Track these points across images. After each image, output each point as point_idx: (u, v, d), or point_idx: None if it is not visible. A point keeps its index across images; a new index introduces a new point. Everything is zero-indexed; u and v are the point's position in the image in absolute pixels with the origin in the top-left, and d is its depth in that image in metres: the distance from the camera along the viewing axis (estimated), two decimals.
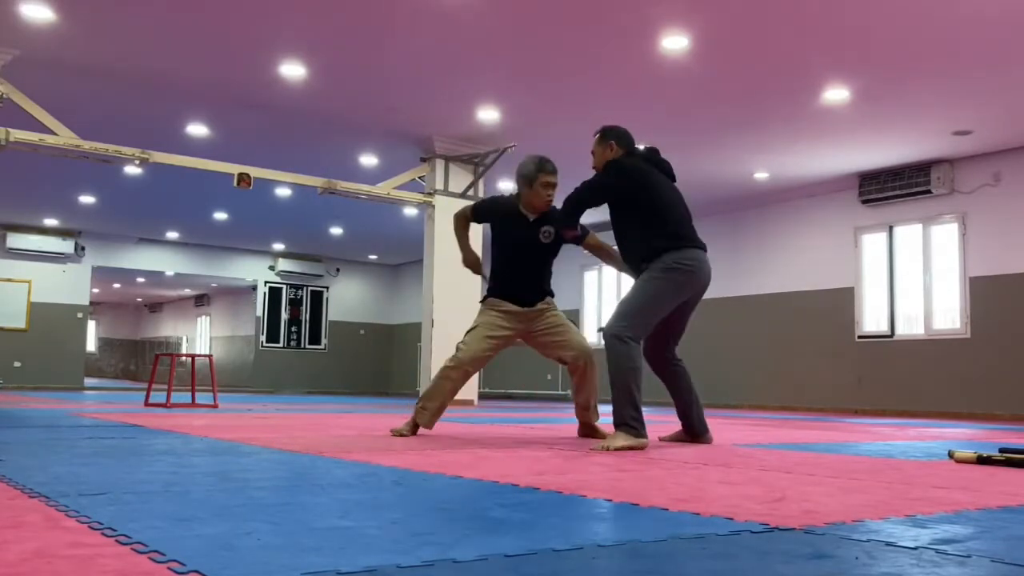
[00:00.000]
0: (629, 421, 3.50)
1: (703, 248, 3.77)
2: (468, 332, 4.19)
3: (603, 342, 3.60)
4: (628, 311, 3.61)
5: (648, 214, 3.73)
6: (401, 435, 4.05)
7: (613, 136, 3.97)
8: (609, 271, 13.26)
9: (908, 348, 9.73)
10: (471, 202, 4.45)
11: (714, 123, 8.36)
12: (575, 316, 13.81)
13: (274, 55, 6.91)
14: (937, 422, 7.68)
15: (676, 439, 4.02)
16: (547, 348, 4.25)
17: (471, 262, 4.41)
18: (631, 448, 3.43)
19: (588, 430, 4.30)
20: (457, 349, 4.16)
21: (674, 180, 3.93)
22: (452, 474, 2.47)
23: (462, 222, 4.42)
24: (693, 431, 3.96)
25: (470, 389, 9.52)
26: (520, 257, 4.23)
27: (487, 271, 4.35)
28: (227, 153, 8.86)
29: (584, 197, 3.87)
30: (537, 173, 4.12)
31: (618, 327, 3.58)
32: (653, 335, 3.87)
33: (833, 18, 5.93)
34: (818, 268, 10.58)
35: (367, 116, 8.47)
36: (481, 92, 7.74)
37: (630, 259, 3.84)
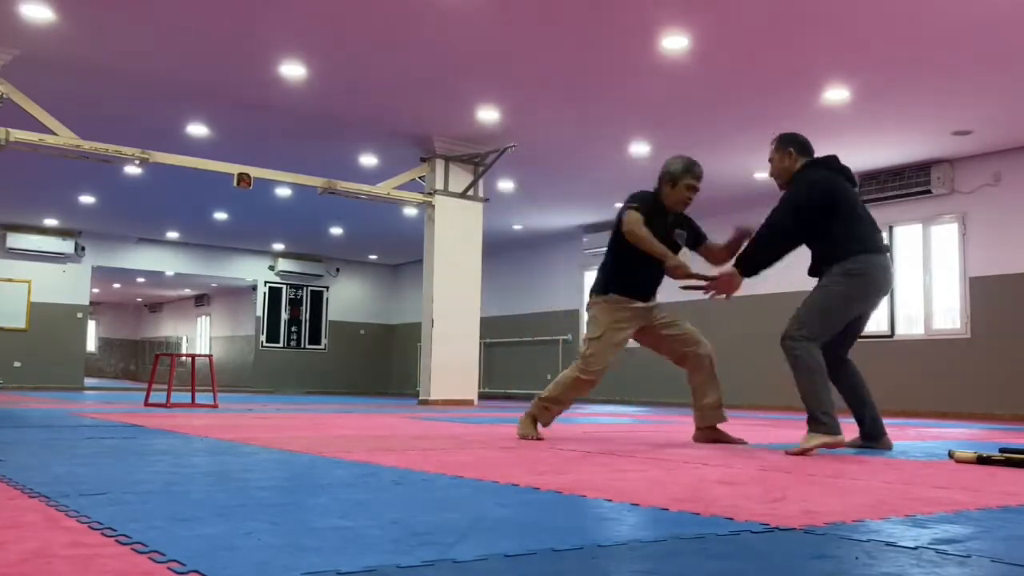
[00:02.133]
0: (821, 419, 3.47)
1: (886, 252, 3.70)
2: (593, 338, 4.04)
3: (782, 346, 3.58)
4: (806, 314, 3.59)
5: (839, 224, 3.64)
6: (535, 438, 4.05)
7: (791, 143, 3.86)
8: None
9: (908, 348, 9.73)
10: (632, 208, 3.97)
11: (714, 123, 8.35)
12: (576, 316, 13.82)
13: (274, 55, 6.91)
14: (937, 422, 7.68)
15: (852, 445, 3.80)
16: (665, 342, 4.12)
17: (681, 266, 3.89)
18: (827, 445, 3.42)
19: (714, 434, 4.08)
20: (586, 358, 4.02)
21: (855, 185, 3.84)
22: (452, 474, 2.47)
23: (643, 224, 3.94)
24: (866, 435, 3.78)
25: (470, 389, 9.52)
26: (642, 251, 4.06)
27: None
28: (227, 153, 8.86)
29: (786, 227, 3.66)
30: (683, 174, 4.01)
31: (795, 329, 3.57)
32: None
33: (833, 18, 5.93)
34: None
35: (367, 116, 8.46)
36: (481, 92, 7.74)
37: (819, 262, 3.72)
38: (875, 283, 3.61)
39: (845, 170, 3.83)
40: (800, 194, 3.68)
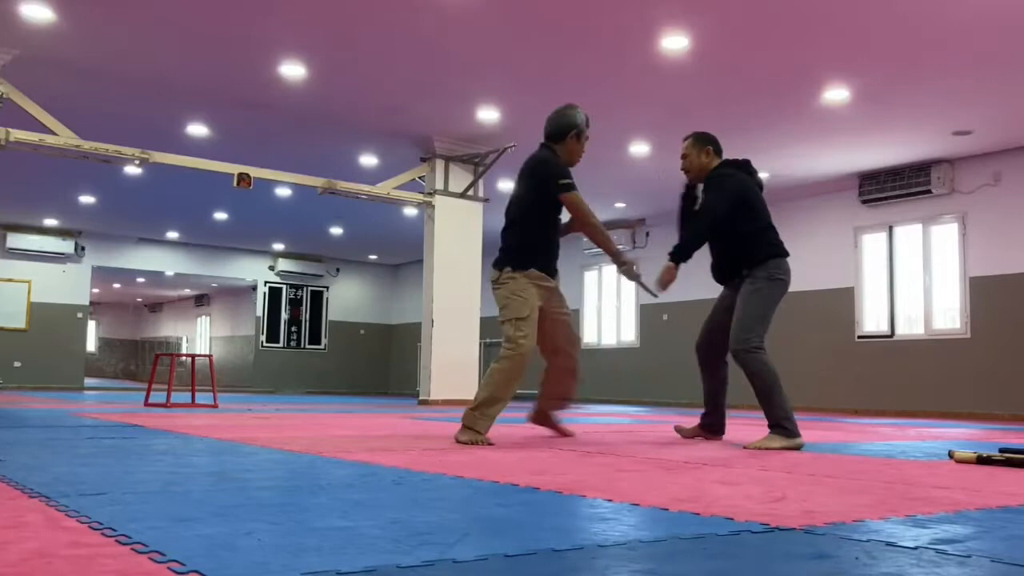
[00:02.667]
0: (783, 423, 3.66)
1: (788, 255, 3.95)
2: (521, 318, 3.70)
3: (736, 359, 3.77)
4: (750, 322, 3.76)
5: (753, 226, 3.86)
6: (484, 443, 3.62)
7: (710, 142, 4.10)
8: (609, 271, 13.25)
9: (908, 348, 9.73)
10: (571, 185, 3.80)
11: (714, 123, 8.31)
12: (575, 316, 13.81)
13: (274, 55, 6.90)
14: (937, 422, 7.68)
15: (690, 433, 4.16)
16: (551, 330, 3.89)
17: (634, 270, 3.92)
18: (787, 448, 3.57)
19: (547, 420, 4.23)
20: (516, 340, 3.68)
21: (762, 190, 4.07)
22: (452, 474, 2.47)
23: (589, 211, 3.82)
24: (707, 426, 4.15)
25: (470, 389, 9.51)
26: (557, 222, 3.90)
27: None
28: (227, 153, 8.85)
29: (714, 222, 3.88)
30: (586, 125, 4.00)
31: (746, 340, 3.73)
32: (715, 332, 3.98)
33: (833, 18, 5.93)
34: (818, 268, 10.57)
35: (367, 116, 8.46)
36: (481, 92, 7.74)
37: (723, 257, 3.95)
38: (786, 285, 3.90)
39: (755, 174, 4.07)
40: (725, 188, 3.90)
